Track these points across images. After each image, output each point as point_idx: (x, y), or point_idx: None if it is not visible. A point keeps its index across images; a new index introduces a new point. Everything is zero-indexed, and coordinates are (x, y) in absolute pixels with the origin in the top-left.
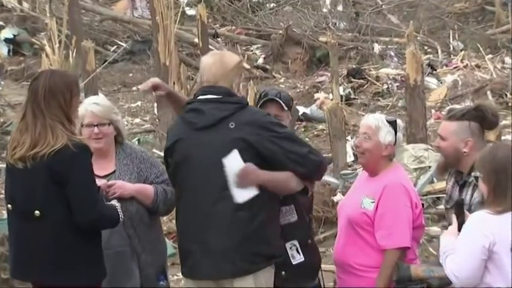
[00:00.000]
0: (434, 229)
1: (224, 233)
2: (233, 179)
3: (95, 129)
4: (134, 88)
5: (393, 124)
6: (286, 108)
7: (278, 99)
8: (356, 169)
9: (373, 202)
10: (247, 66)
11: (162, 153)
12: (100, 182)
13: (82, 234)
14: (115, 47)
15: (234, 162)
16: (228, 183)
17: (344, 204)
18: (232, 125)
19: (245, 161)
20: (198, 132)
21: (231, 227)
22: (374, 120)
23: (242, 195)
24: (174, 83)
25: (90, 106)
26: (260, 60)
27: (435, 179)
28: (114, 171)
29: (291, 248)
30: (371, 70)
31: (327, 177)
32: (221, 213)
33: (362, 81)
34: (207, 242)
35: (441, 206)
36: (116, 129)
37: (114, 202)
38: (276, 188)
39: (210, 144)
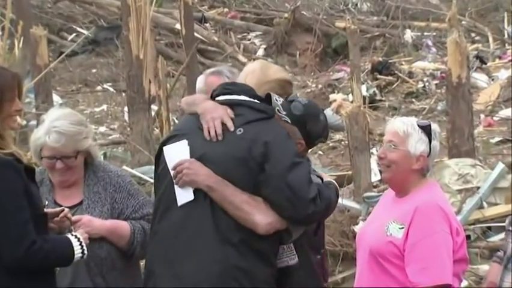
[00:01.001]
0: (484, 268)
1: (200, 260)
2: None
3: (58, 164)
4: (98, 88)
5: (426, 130)
6: (285, 118)
7: (275, 101)
8: (382, 190)
9: (402, 228)
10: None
11: (135, 172)
12: (61, 212)
13: (21, 276)
14: (74, 35)
15: (176, 154)
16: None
17: (364, 232)
18: (240, 130)
19: (239, 178)
20: (202, 135)
21: (210, 255)
22: (401, 125)
23: (180, 197)
24: (150, 81)
25: (50, 137)
26: (260, 52)
27: (485, 204)
28: (81, 202)
29: None
30: (402, 64)
31: (346, 201)
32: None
33: (390, 78)
34: (176, 264)
35: (493, 239)
36: (87, 153)
37: (78, 233)
38: (226, 209)
39: (208, 153)
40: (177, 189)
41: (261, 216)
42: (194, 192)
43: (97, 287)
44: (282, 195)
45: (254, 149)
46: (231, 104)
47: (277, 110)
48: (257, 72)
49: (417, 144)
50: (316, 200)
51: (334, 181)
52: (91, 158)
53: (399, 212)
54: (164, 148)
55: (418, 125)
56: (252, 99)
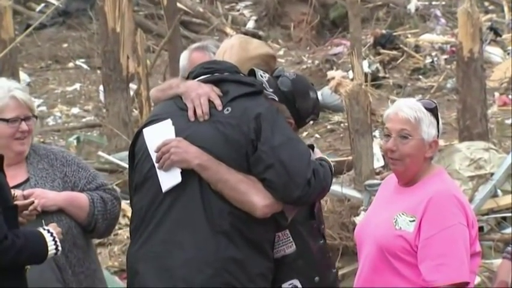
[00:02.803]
0: (499, 262)
1: (189, 252)
2: (155, 157)
3: (23, 125)
4: (70, 64)
5: (434, 111)
6: (271, 96)
7: (260, 77)
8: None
9: (413, 221)
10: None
11: (112, 158)
12: (31, 205)
13: None
14: (43, 5)
15: (159, 135)
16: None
17: (366, 225)
18: (227, 110)
19: (231, 160)
20: (183, 112)
21: (200, 245)
22: (410, 111)
23: (165, 181)
24: (128, 57)
25: (14, 92)
26: (250, 24)
27: (499, 192)
28: (28, 179)
29: None
30: (407, 37)
31: (346, 190)
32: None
33: (394, 52)
34: (163, 257)
35: (509, 230)
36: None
37: (50, 228)
38: (221, 189)
39: (194, 136)
40: (161, 174)
41: (258, 198)
42: (181, 174)
43: (60, 267)
44: (274, 173)
45: (245, 126)
46: (213, 82)
47: (263, 86)
48: (236, 48)
49: (429, 129)
50: (311, 181)
51: (326, 157)
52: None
53: (408, 202)
54: (144, 130)
55: (425, 108)
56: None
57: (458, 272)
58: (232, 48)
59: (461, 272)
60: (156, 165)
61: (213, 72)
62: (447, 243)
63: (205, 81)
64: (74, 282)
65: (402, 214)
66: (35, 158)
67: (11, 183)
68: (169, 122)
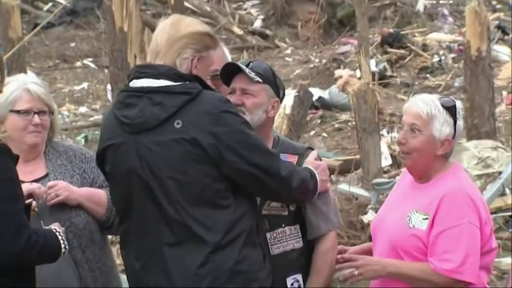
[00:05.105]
0: (508, 261)
1: (188, 267)
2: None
3: (36, 118)
4: (78, 63)
5: (451, 110)
6: (256, 78)
7: (239, 65)
8: (394, 177)
9: (426, 218)
10: (239, 33)
11: None
12: (31, 186)
13: (4, 272)
14: (50, 4)
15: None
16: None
17: (381, 222)
18: (178, 123)
19: (199, 173)
20: (136, 137)
21: (188, 274)
22: (424, 106)
23: None
24: (135, 56)
25: (29, 85)
26: (258, 23)
27: (507, 190)
28: (47, 175)
29: (292, 284)
30: (415, 36)
31: (353, 189)
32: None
33: (402, 51)
34: (165, 274)
35: None
36: (51, 122)
37: (56, 227)
38: None
39: (152, 154)
40: None
41: None
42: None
43: (77, 262)
44: (252, 179)
45: (200, 138)
46: (146, 92)
47: (248, 72)
48: (168, 28)
49: (442, 127)
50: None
51: (313, 169)
52: (52, 133)
53: (422, 200)
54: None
55: (442, 105)
56: (171, 82)
57: (458, 271)
58: (164, 30)
59: (462, 271)
60: None
61: (148, 77)
62: (452, 241)
63: (136, 91)
64: (89, 278)
65: (416, 212)
66: (54, 154)
67: (30, 178)
68: None
